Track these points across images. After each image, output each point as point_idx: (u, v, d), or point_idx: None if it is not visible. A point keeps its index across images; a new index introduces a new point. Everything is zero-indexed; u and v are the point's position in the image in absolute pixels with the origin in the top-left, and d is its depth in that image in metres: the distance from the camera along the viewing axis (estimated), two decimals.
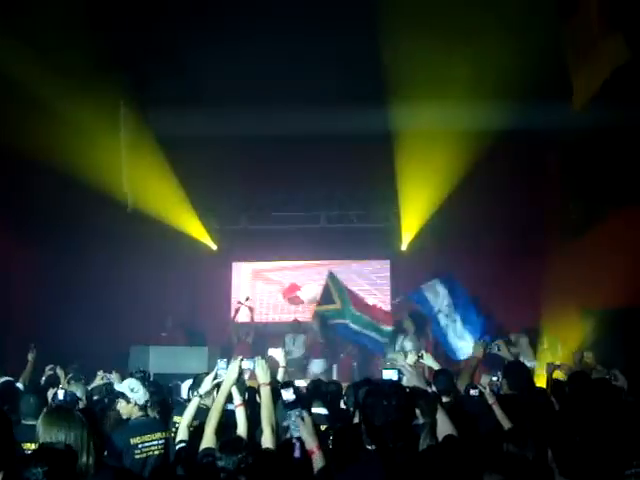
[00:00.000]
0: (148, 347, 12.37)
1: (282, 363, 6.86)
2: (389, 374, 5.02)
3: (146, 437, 5.65)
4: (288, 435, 4.55)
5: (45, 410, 3.97)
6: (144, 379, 7.48)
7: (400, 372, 4.98)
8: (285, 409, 4.64)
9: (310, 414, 4.51)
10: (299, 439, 4.29)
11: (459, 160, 12.29)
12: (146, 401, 5.98)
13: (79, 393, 7.25)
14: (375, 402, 4.07)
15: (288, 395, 4.73)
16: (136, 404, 5.93)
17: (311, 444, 4.20)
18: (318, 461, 4.12)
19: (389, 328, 12.85)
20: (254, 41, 10.80)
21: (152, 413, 6.45)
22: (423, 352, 7.42)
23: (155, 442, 5.65)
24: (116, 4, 9.83)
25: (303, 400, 6.57)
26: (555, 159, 13.88)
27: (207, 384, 5.36)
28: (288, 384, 4.91)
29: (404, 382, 4.82)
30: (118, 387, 6.25)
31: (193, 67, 12.07)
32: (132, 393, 5.96)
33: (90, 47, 9.99)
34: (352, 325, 12.82)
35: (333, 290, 13.15)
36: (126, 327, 13.53)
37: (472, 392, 6.37)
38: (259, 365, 4.90)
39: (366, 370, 13.02)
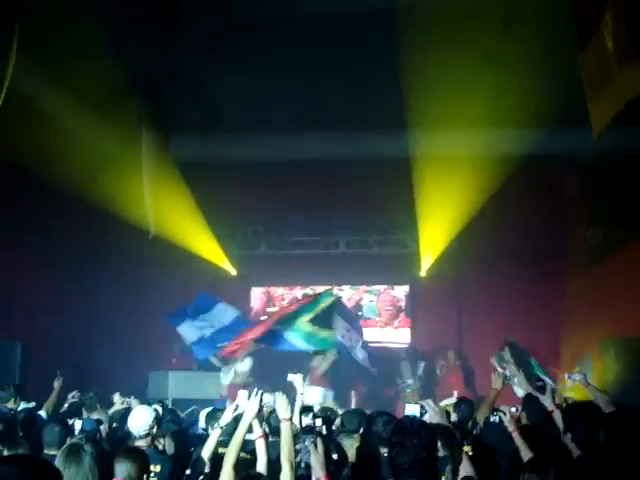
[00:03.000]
0: (167, 373, 12.40)
1: (300, 390, 6.86)
2: (412, 409, 4.98)
3: None
4: (298, 459, 4.56)
5: (62, 448, 3.98)
6: (163, 409, 7.52)
7: (423, 408, 4.96)
8: (302, 433, 4.64)
9: (324, 442, 4.51)
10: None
11: (478, 186, 12.26)
12: (147, 433, 5.93)
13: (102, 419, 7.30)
14: (403, 440, 4.06)
15: (307, 420, 4.74)
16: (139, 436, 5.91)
17: (319, 473, 4.21)
18: None
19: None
20: (274, 67, 10.89)
21: (163, 443, 6.47)
22: None
23: (152, 474, 5.52)
24: (138, 31, 9.92)
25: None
26: (575, 185, 13.84)
27: (228, 416, 5.36)
28: (308, 409, 4.91)
29: (426, 418, 4.80)
30: None
31: (214, 93, 12.16)
32: (130, 425, 5.96)
33: (112, 74, 10.08)
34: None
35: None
36: (146, 353, 13.59)
37: (492, 418, 6.36)
38: (279, 400, 4.89)
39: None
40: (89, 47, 9.41)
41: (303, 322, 11.52)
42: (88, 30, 9.20)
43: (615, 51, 6.10)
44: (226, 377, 12.66)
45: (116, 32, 9.68)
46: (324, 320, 11.70)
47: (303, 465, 4.51)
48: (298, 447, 4.62)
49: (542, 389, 6.34)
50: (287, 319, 11.61)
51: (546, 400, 6.24)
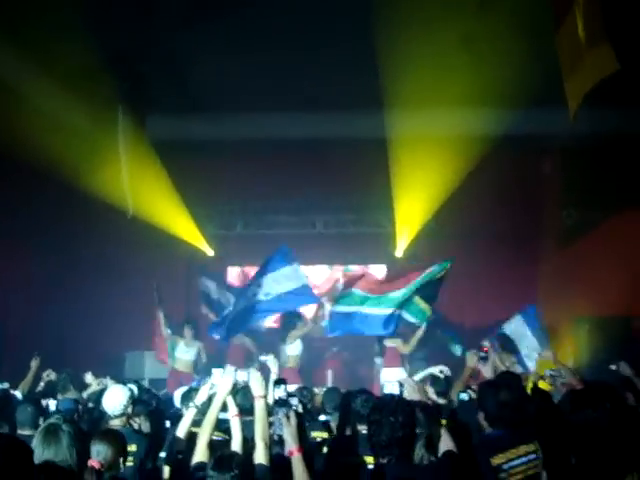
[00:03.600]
0: (143, 353, 12.40)
1: (274, 370, 6.90)
2: (391, 387, 5.02)
3: None
4: (271, 431, 4.57)
5: (40, 428, 3.97)
6: (139, 389, 7.52)
7: (401, 385, 5.00)
8: (275, 405, 4.64)
9: (297, 416, 4.53)
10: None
11: (454, 166, 12.30)
12: (122, 412, 5.93)
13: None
14: (381, 418, 4.10)
15: (280, 392, 4.70)
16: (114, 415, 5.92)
17: (291, 445, 4.19)
18: (296, 463, 4.11)
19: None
20: (251, 47, 10.82)
21: (139, 422, 6.48)
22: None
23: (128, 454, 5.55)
24: (114, 9, 9.83)
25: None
26: (550, 166, 13.94)
27: (203, 394, 5.35)
28: (281, 382, 4.87)
29: (404, 395, 4.84)
30: None
31: (191, 73, 12.10)
32: (105, 405, 5.97)
33: (88, 52, 9.99)
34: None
35: None
36: (123, 333, 13.54)
37: (462, 396, 6.44)
38: (254, 377, 4.86)
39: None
40: (64, 25, 9.32)
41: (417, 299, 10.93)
42: (62, 7, 9.09)
43: (586, 31, 6.16)
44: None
45: (91, 9, 9.58)
46: (430, 291, 11.00)
47: (276, 438, 4.52)
48: (271, 419, 4.64)
49: (485, 359, 6.43)
50: (397, 299, 10.87)
51: (487, 371, 6.34)
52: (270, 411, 4.72)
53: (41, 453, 3.69)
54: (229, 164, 13.93)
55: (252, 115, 12.22)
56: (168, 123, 12.88)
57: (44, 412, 6.16)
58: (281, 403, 4.57)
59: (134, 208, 12.89)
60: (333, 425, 6.16)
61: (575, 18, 6.31)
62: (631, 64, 6.62)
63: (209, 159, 13.78)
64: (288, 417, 4.35)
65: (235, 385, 4.99)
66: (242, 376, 4.97)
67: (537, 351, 10.69)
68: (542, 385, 7.91)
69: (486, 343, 9.63)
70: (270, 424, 4.56)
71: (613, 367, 7.14)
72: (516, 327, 11.30)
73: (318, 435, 6.00)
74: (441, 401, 7.03)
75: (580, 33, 6.22)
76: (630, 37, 6.50)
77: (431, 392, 7.05)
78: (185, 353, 12.38)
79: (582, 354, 11.57)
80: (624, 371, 6.88)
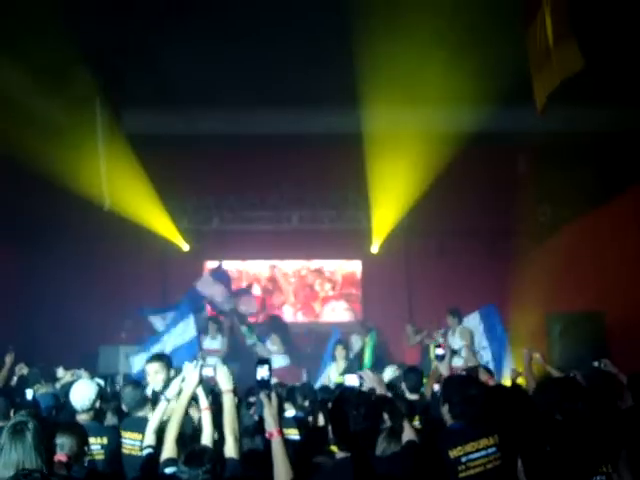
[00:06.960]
0: (118, 347, 12.32)
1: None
2: (351, 379, 5.03)
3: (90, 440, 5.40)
4: (251, 411, 4.53)
5: (8, 424, 3.97)
6: (109, 384, 7.49)
7: (361, 377, 5.02)
8: (257, 386, 4.58)
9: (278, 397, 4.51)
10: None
11: (430, 163, 12.35)
12: (90, 407, 5.92)
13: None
14: (344, 412, 4.13)
15: (263, 372, 4.54)
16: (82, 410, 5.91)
17: (272, 426, 4.15)
18: (276, 446, 4.07)
19: None
20: (227, 43, 10.83)
21: (108, 417, 6.47)
22: None
23: (96, 446, 5.48)
24: (90, 3, 9.79)
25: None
26: (524, 163, 14.03)
27: (175, 387, 5.33)
28: (265, 361, 4.68)
29: (364, 388, 4.86)
30: None
31: (167, 67, 12.05)
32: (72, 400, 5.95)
33: (64, 46, 9.93)
34: None
35: None
36: (97, 327, 13.49)
37: (436, 387, 6.47)
38: (221, 371, 4.83)
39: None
40: (39, 19, 9.27)
41: None
42: (38, 2, 9.05)
43: (554, 29, 6.22)
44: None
45: (67, 3, 9.54)
46: None
47: (257, 418, 4.46)
48: (252, 400, 4.59)
49: (442, 358, 6.43)
50: None
51: (442, 368, 6.36)
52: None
53: (9, 451, 3.70)
54: (205, 158, 13.94)
55: (228, 110, 12.22)
56: (145, 117, 12.85)
57: (14, 404, 6.12)
58: (263, 383, 4.48)
59: (110, 202, 12.83)
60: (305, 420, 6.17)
61: (544, 16, 6.38)
62: (602, 62, 6.71)
63: (185, 153, 13.76)
64: (270, 397, 4.29)
65: (201, 380, 4.96)
66: (208, 371, 4.93)
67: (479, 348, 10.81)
68: (520, 381, 8.01)
69: (441, 339, 9.75)
70: (251, 404, 4.52)
71: (596, 364, 7.18)
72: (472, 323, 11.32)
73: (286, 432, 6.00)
74: (413, 397, 7.08)
75: (548, 31, 6.29)
76: (598, 35, 6.58)
77: (403, 387, 7.12)
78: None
79: (555, 350, 11.66)
80: (608, 368, 6.92)
